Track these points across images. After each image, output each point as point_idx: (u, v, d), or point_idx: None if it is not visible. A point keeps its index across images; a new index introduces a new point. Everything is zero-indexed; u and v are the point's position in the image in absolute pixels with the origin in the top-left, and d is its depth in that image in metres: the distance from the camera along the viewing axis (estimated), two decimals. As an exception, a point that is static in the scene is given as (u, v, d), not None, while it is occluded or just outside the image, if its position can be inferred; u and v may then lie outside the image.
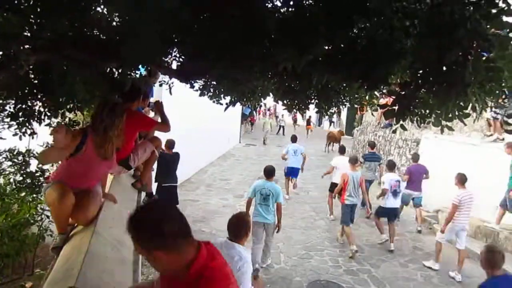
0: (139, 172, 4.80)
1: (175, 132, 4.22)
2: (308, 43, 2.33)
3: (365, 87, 2.51)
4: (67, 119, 4.53)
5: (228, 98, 4.19)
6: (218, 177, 13.21)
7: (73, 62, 3.12)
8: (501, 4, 2.17)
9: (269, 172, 6.45)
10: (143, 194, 5.35)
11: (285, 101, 4.35)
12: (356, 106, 4.91)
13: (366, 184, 8.50)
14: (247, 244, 3.70)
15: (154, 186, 7.03)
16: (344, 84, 3.39)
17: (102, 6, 2.69)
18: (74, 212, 2.98)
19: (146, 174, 4.68)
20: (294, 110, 4.55)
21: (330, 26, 2.36)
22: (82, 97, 3.56)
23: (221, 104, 4.61)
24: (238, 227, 3.60)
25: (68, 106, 3.92)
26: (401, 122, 2.57)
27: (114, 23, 3.11)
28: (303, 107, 4.44)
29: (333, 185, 9.11)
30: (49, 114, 3.81)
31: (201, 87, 4.04)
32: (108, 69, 3.68)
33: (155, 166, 6.10)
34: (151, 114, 5.52)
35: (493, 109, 2.53)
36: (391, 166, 8.35)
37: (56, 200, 2.82)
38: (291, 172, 10.83)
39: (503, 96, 2.72)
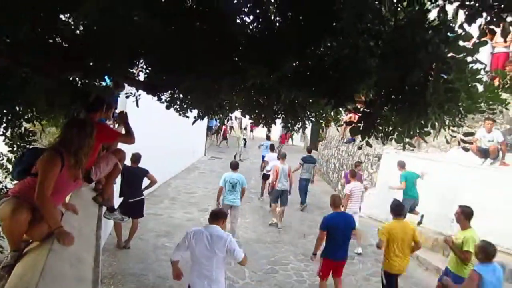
0: (101, 185, 4.64)
1: (139, 144, 4.11)
2: (278, 59, 2.37)
3: (332, 104, 2.56)
4: (22, 129, 4.31)
5: (195, 111, 4.16)
6: (183, 190, 13.01)
7: (33, 70, 3.00)
8: (458, 29, 2.31)
9: (234, 166, 8.36)
10: (104, 208, 5.18)
11: (252, 115, 4.38)
12: (321, 121, 5.01)
13: (303, 183, 11.71)
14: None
15: (118, 200, 6.83)
16: (311, 100, 3.45)
17: (67, 14, 2.61)
18: (29, 228, 2.83)
19: (108, 187, 4.53)
20: (262, 125, 4.59)
21: (299, 43, 2.41)
22: (42, 107, 3.41)
23: (188, 117, 4.57)
24: (218, 215, 4.57)
25: (26, 116, 3.75)
26: (366, 138, 2.64)
27: (78, 31, 3.04)
28: (269, 121, 4.48)
29: (265, 175, 12.09)
30: (5, 123, 3.62)
31: (168, 99, 3.99)
32: (71, 78, 3.57)
33: (118, 179, 5.96)
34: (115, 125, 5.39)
35: (451, 127, 2.67)
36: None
37: (8, 215, 2.67)
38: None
39: (460, 116, 2.87)
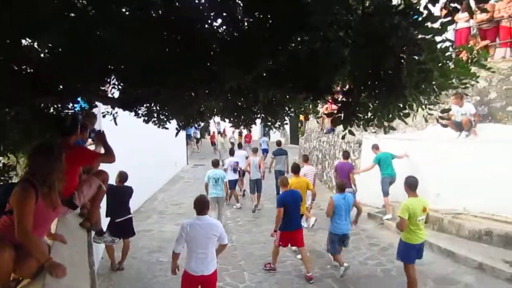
0: (86, 210, 4.53)
1: (119, 161, 4.02)
2: (251, 60, 2.36)
3: (310, 97, 2.58)
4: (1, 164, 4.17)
5: (174, 122, 4.11)
6: (170, 202, 12.86)
7: (1, 100, 2.90)
8: (424, 11, 2.36)
9: (215, 163, 10.20)
10: (93, 232, 5.06)
11: (231, 118, 4.36)
12: (300, 115, 5.06)
13: (277, 174, 12.01)
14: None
15: (105, 221, 6.69)
16: (289, 97, 3.46)
17: (31, 39, 2.53)
18: (16, 265, 2.72)
19: (95, 211, 4.41)
20: (242, 127, 4.58)
21: (270, 42, 2.41)
22: (16, 138, 3.29)
23: (167, 128, 4.53)
24: (203, 204, 5.05)
25: (-1, 149, 3.62)
26: (348, 127, 2.66)
27: (43, 55, 2.95)
28: (250, 122, 4.48)
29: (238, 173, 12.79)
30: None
31: (145, 113, 3.93)
32: (42, 105, 3.46)
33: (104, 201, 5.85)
34: (92, 146, 5.27)
35: (428, 106, 2.73)
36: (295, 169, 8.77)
37: None
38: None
39: (434, 94, 2.93)
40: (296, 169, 8.29)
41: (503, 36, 9.27)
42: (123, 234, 7.27)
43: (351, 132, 2.75)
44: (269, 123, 4.55)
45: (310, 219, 8.90)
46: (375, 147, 10.07)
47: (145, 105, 3.75)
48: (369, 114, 2.81)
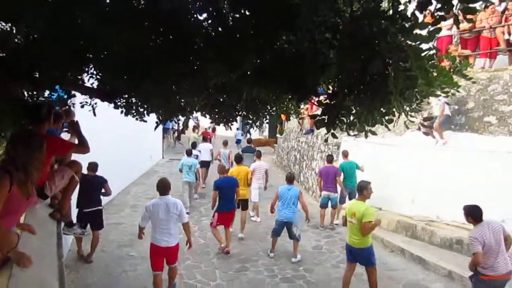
0: (57, 200, 4.41)
1: (93, 152, 3.92)
2: (237, 58, 2.34)
3: (295, 98, 2.58)
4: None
5: (152, 115, 4.05)
6: (143, 196, 12.67)
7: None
8: (411, 17, 2.39)
9: (189, 152, 11.74)
10: (63, 224, 4.94)
11: (212, 115, 4.33)
12: (282, 115, 5.06)
13: None
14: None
15: (74, 212, 6.55)
16: (274, 96, 3.46)
17: (8, 24, 2.43)
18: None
19: (66, 202, 4.30)
20: (222, 124, 4.56)
21: (257, 41, 2.40)
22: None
23: (146, 121, 4.46)
24: (165, 186, 5.91)
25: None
26: (331, 130, 2.68)
27: (20, 42, 2.84)
28: (230, 119, 4.46)
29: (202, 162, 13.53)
30: None
31: (123, 105, 3.85)
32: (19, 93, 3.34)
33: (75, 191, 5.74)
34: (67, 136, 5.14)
35: (409, 113, 2.77)
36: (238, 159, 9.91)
37: None
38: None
39: (417, 101, 2.99)
40: (238, 160, 9.71)
41: (483, 47, 9.52)
42: (91, 225, 7.21)
43: (334, 135, 2.77)
44: (250, 121, 4.55)
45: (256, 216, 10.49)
46: (344, 154, 10.15)
47: (124, 97, 3.67)
48: (352, 117, 2.84)
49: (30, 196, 2.80)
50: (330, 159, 10.14)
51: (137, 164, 15.25)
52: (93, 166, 7.29)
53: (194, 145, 13.43)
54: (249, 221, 10.09)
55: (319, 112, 2.84)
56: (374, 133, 3.04)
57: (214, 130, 27.71)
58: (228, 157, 13.08)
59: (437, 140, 9.29)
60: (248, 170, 9.56)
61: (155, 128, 3.92)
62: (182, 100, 3.59)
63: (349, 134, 2.98)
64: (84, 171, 6.64)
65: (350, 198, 9.61)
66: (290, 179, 7.98)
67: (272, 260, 7.81)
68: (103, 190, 7.39)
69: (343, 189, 9.77)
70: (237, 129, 23.27)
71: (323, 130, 2.83)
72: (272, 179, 14.67)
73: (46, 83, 2.71)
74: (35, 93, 3.38)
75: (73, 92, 4.07)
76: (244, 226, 9.16)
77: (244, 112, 4.21)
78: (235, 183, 8.35)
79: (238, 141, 22.96)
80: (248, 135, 23.39)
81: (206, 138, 16.40)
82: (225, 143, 13.84)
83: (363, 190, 5.92)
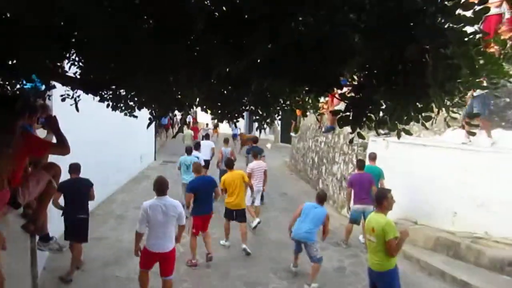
0: (31, 210, 4.49)
1: (73, 153, 3.94)
2: (245, 43, 2.36)
3: (314, 91, 2.60)
4: None
5: (144, 110, 4.11)
6: (131, 205, 12.75)
7: None
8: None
9: (189, 150, 12.55)
10: (38, 238, 5.01)
11: (214, 110, 4.36)
12: (297, 110, 5.07)
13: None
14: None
15: (54, 223, 6.63)
16: (288, 89, 3.48)
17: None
18: None
19: (41, 212, 4.38)
20: (226, 120, 4.59)
21: (269, 23, 2.41)
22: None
23: (136, 117, 4.51)
24: (163, 186, 6.38)
25: None
26: (357, 129, 2.69)
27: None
28: (236, 115, 4.49)
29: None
30: None
31: (110, 97, 3.90)
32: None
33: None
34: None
35: (451, 108, 2.77)
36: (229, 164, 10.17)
37: None
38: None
39: (460, 95, 2.99)
40: (229, 164, 9.95)
41: (540, 28, 9.43)
42: (74, 236, 7.40)
43: (360, 135, 2.78)
44: (259, 117, 4.57)
45: (254, 220, 10.69)
46: (371, 157, 10.25)
47: (112, 88, 3.71)
48: (382, 114, 2.84)
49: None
50: (361, 164, 10.02)
51: (124, 167, 15.38)
52: (76, 167, 7.49)
53: (197, 146, 13.93)
54: (250, 231, 10.41)
55: (342, 107, 2.86)
56: (408, 133, 3.05)
57: (216, 127, 28.79)
58: (231, 155, 13.67)
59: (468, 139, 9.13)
60: (243, 173, 9.90)
61: (148, 126, 3.96)
62: (180, 93, 3.62)
63: (378, 134, 2.99)
64: (65, 175, 6.79)
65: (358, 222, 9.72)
66: (321, 199, 7.94)
67: (285, 283, 7.81)
68: None
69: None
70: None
71: (346, 129, 2.83)
72: (285, 186, 14.84)
73: (23, 71, 2.75)
74: (7, 83, 3.42)
75: (52, 82, 4.13)
76: (246, 236, 9.41)
77: (252, 107, 4.23)
78: (212, 183, 8.86)
79: (234, 136, 25.45)
80: (257, 133, 23.70)
81: (208, 136, 17.43)
82: (226, 141, 15.03)
83: (383, 200, 5.74)
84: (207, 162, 14.67)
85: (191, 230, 8.52)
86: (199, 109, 4.81)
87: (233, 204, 9.37)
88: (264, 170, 11.28)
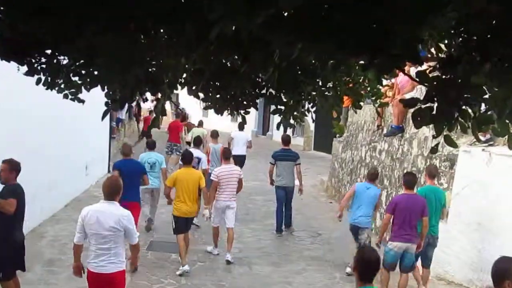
0: None
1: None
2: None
3: (375, 65, 2.58)
4: None
5: (97, 91, 4.12)
6: (69, 244, 12.77)
7: None
8: None
9: (151, 144, 14.62)
10: None
11: (210, 94, 4.35)
12: (344, 97, 5.04)
13: (280, 193, 15.04)
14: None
15: None
16: (331, 61, 3.45)
17: None
18: None
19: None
20: (227, 112, 4.60)
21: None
22: None
23: (81, 101, 4.52)
24: (111, 187, 7.38)
25: None
26: (445, 130, 2.68)
27: None
28: (244, 103, 4.48)
29: None
30: None
31: (44, 68, 3.93)
32: None
33: None
34: None
35: None
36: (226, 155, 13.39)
37: None
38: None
39: None
40: (186, 158, 12.13)
41: None
42: (10, 265, 8.18)
43: (450, 141, 2.76)
44: (283, 108, 4.55)
45: (205, 211, 12.43)
46: (431, 174, 10.58)
47: (47, 53, 3.74)
48: (485, 107, 2.82)
49: None
50: (411, 180, 10.31)
51: (60, 183, 15.36)
52: (13, 166, 8.31)
53: (198, 141, 15.87)
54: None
55: (417, 94, 2.82)
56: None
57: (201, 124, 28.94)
58: (220, 154, 15.09)
59: None
60: (201, 175, 11.95)
61: (103, 117, 3.95)
62: (156, 63, 3.63)
63: (478, 140, 2.97)
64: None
65: (424, 258, 10.19)
66: (372, 177, 11.14)
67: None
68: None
69: (424, 235, 9.94)
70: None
71: (424, 131, 2.80)
72: (319, 221, 14.79)
73: None
74: None
75: None
76: (232, 243, 12.26)
77: (271, 90, 4.23)
78: (140, 168, 11.93)
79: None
80: (288, 130, 23.95)
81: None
82: (215, 135, 17.56)
83: (503, 281, 5.67)
84: (242, 158, 18.28)
85: None
86: (184, 91, 4.82)
87: (185, 210, 11.35)
88: (237, 178, 12.63)
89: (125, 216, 7.21)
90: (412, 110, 2.81)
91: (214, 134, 17.40)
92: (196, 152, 14.42)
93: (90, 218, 7.10)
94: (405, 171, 13.75)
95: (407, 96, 11.22)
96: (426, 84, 2.75)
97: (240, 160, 18.04)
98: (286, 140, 15.48)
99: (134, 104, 17.18)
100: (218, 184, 12.24)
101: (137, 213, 10.95)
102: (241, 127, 19.55)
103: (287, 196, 15.15)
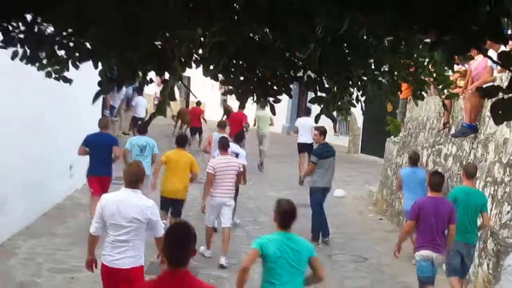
0: None
1: None
2: None
3: (450, 44, 2.59)
4: None
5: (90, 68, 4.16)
6: (46, 264, 12.91)
7: None
8: None
9: (143, 129, 16.73)
10: None
11: (231, 75, 4.37)
12: (404, 84, 5.05)
13: (317, 196, 16.25)
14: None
15: None
16: (393, 38, 3.46)
17: None
18: None
19: None
20: (252, 99, 4.62)
21: None
22: None
23: (70, 82, 4.58)
24: (133, 173, 8.33)
25: None
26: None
27: None
28: (275, 88, 4.50)
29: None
30: None
31: (22, 39, 3.98)
32: None
33: None
34: None
35: None
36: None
37: None
38: None
39: None
40: (181, 141, 15.10)
41: None
42: None
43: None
44: (323, 96, 4.56)
45: (222, 258, 13.49)
46: (469, 174, 11.24)
47: (27, 21, 3.78)
48: None
49: None
50: (438, 182, 10.74)
51: (37, 187, 15.46)
52: None
53: (239, 136, 17.56)
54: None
55: (497, 81, 2.82)
56: None
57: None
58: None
59: None
60: (193, 159, 14.69)
61: (95, 99, 3.98)
62: (164, 34, 3.67)
63: None
64: None
65: (459, 272, 10.52)
66: (414, 160, 13.23)
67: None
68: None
69: (449, 244, 10.32)
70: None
71: (503, 131, 2.80)
72: (365, 242, 14.78)
73: None
74: None
75: None
76: (228, 245, 12.87)
77: (310, 73, 4.25)
78: (111, 141, 14.61)
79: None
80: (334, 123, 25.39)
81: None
82: (222, 125, 20.60)
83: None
84: (308, 148, 21.25)
85: (90, 191, 11.75)
86: (197, 73, 4.83)
87: (171, 189, 13.89)
88: (236, 172, 14.32)
89: (149, 207, 8.09)
90: (490, 102, 2.81)
91: (221, 124, 20.52)
92: (234, 147, 15.91)
93: (109, 208, 8.00)
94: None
95: (486, 85, 11.19)
96: (508, 67, 2.76)
97: (306, 150, 21.48)
98: (323, 131, 16.56)
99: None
100: (213, 177, 13.61)
101: (106, 185, 13.47)
102: (307, 112, 23.07)
103: (324, 197, 16.50)
